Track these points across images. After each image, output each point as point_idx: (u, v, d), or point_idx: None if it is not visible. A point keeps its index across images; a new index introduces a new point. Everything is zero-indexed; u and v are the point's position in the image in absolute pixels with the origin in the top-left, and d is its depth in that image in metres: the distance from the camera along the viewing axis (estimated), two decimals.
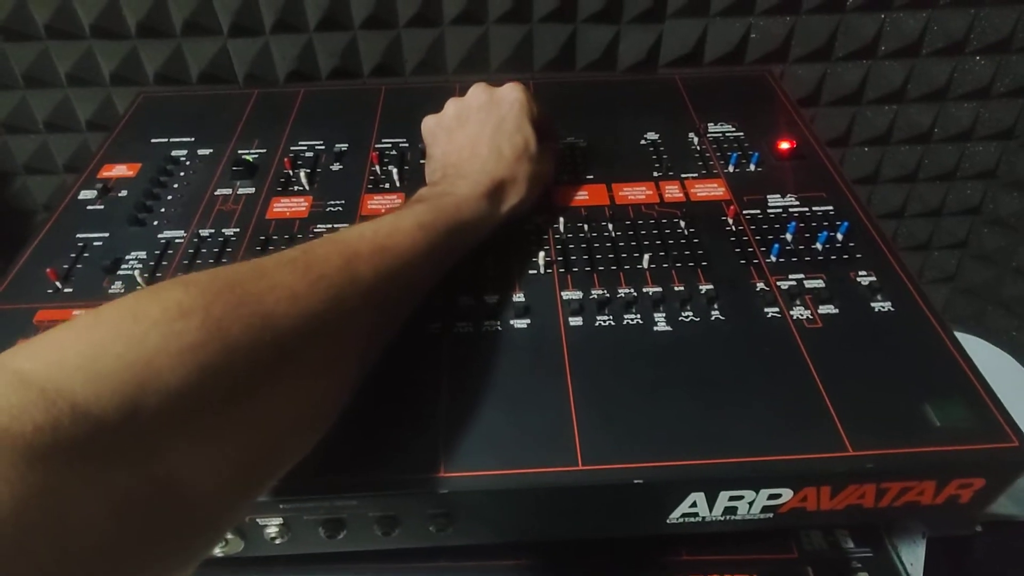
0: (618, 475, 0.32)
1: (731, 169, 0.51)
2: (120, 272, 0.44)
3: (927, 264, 0.83)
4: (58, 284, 0.43)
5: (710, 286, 0.41)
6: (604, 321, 0.40)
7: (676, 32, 0.65)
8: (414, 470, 0.33)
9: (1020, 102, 0.70)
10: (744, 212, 0.47)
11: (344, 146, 0.55)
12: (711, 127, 0.56)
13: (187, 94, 0.64)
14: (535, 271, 0.43)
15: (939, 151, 0.74)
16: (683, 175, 0.51)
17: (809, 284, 0.42)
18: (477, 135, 0.44)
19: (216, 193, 0.50)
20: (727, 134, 0.55)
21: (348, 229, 0.34)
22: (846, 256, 0.44)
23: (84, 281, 0.43)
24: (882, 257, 0.44)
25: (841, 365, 0.37)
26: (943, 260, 0.83)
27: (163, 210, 0.49)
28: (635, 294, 0.41)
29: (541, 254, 0.43)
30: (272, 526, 0.34)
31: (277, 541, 0.35)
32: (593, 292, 0.41)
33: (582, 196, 0.49)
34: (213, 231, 0.47)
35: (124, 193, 0.51)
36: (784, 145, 0.52)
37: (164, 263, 0.44)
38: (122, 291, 0.43)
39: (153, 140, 0.56)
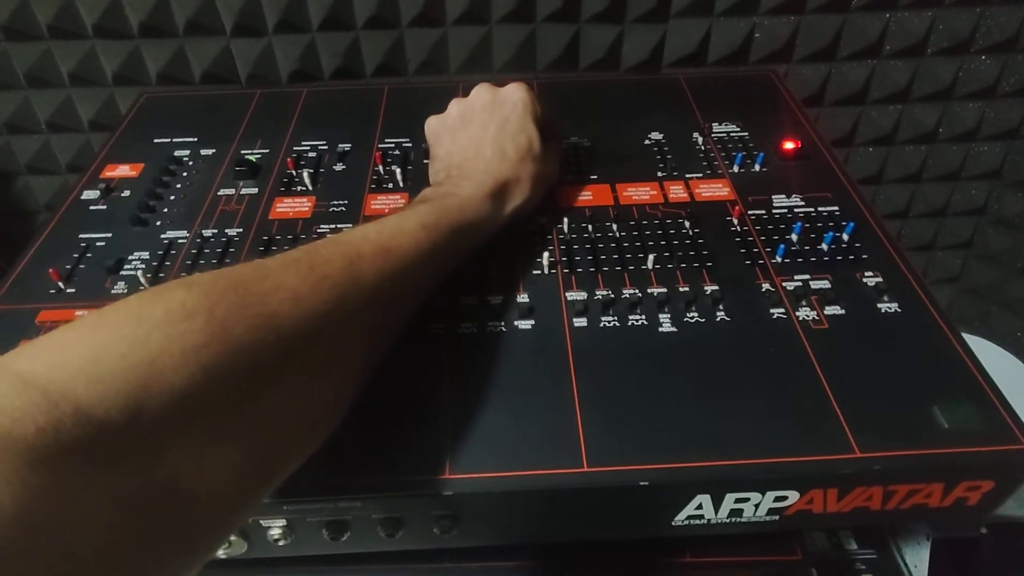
0: (623, 477, 0.32)
1: (736, 169, 0.51)
2: (123, 272, 0.44)
3: (931, 264, 0.83)
4: (61, 284, 0.43)
5: (715, 287, 0.41)
6: (609, 322, 0.40)
7: (680, 32, 0.65)
8: (418, 472, 0.33)
9: None
10: (749, 212, 0.47)
11: (347, 146, 0.55)
12: (715, 127, 0.56)
13: (190, 94, 0.64)
14: (539, 271, 0.43)
15: (944, 151, 0.73)
16: (687, 175, 0.51)
17: (815, 285, 0.42)
18: (481, 135, 0.44)
19: (219, 193, 0.50)
20: (731, 134, 0.55)
21: (351, 230, 0.34)
22: (852, 257, 0.44)
23: (87, 281, 0.43)
24: (888, 258, 0.43)
25: (847, 366, 0.37)
26: (947, 260, 0.82)
27: (166, 210, 0.49)
28: (640, 295, 0.41)
29: (545, 254, 0.43)
30: (275, 528, 0.34)
31: (280, 543, 0.35)
32: (597, 293, 0.41)
33: (586, 196, 0.49)
34: (216, 231, 0.47)
35: (127, 193, 0.50)
36: (789, 145, 0.52)
37: (167, 263, 0.44)
38: (125, 291, 0.43)
39: (156, 140, 0.56)
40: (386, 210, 0.48)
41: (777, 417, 0.34)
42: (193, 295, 0.25)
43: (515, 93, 0.45)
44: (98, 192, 0.50)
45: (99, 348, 0.22)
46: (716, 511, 0.34)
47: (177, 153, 0.54)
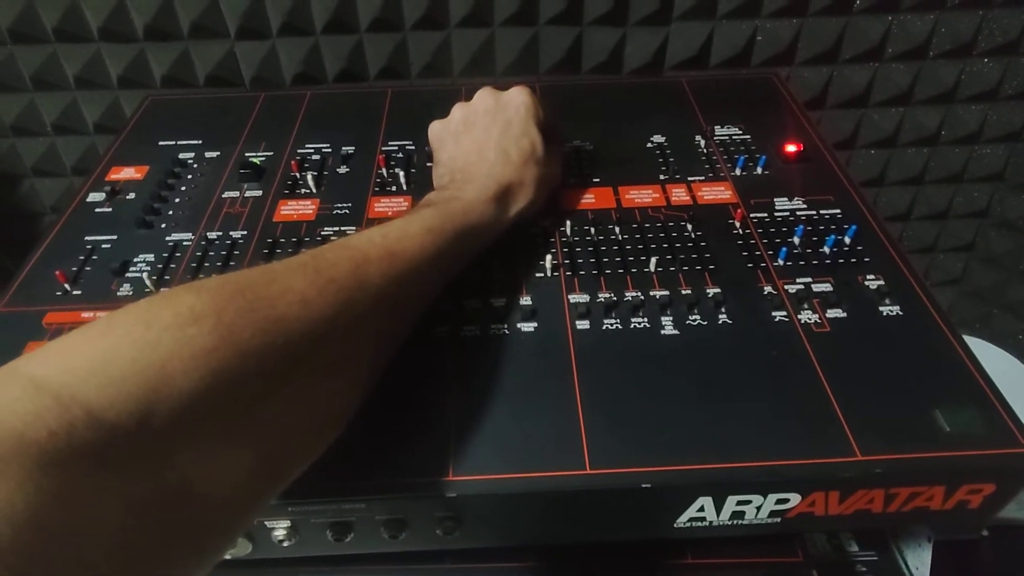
0: (626, 479, 0.32)
1: (738, 172, 0.51)
2: (128, 274, 0.44)
3: (933, 267, 0.83)
4: (67, 286, 0.43)
5: (717, 289, 0.41)
6: (611, 324, 0.40)
7: (682, 35, 0.65)
8: (422, 473, 0.33)
9: None
10: (751, 215, 0.47)
11: (351, 149, 0.55)
12: (718, 130, 0.56)
13: (194, 97, 0.64)
14: (542, 274, 0.43)
15: (946, 154, 0.74)
16: (690, 178, 0.51)
17: (817, 288, 0.42)
18: (484, 139, 0.44)
19: (223, 196, 0.50)
20: (734, 137, 0.55)
21: (357, 234, 0.34)
22: (854, 260, 0.44)
23: (93, 283, 0.44)
24: (890, 260, 0.44)
25: (849, 369, 0.37)
26: (949, 263, 0.82)
27: (171, 213, 0.49)
28: (642, 297, 0.41)
29: (548, 257, 0.43)
30: (280, 529, 0.34)
31: (285, 544, 0.35)
32: (600, 295, 0.42)
33: (588, 199, 0.49)
34: (221, 233, 0.47)
35: (132, 196, 0.51)
36: (791, 148, 0.52)
37: (172, 265, 0.45)
38: (131, 293, 0.43)
39: (160, 143, 0.56)
40: (390, 212, 0.49)
41: (779, 420, 0.35)
42: (201, 300, 0.25)
43: (518, 97, 0.46)
44: (104, 194, 0.51)
45: (109, 352, 0.22)
46: (718, 513, 0.34)
47: (182, 156, 0.55)
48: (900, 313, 0.40)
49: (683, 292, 0.42)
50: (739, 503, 0.34)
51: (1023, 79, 0.68)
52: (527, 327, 0.40)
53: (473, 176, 0.42)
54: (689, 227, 0.46)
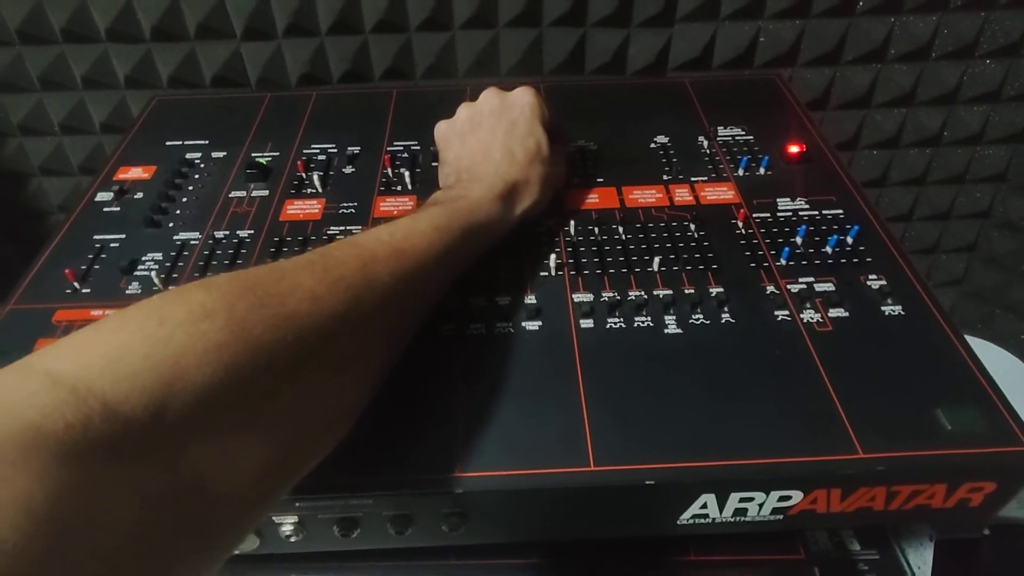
0: (630, 476, 0.33)
1: (741, 172, 0.52)
2: (137, 273, 0.44)
3: (935, 267, 0.83)
4: (76, 284, 0.43)
5: (720, 289, 0.42)
6: (615, 323, 0.40)
7: (685, 36, 0.65)
8: (428, 470, 0.33)
9: None
10: (754, 215, 0.48)
11: (356, 149, 0.55)
12: (720, 131, 0.56)
13: (200, 97, 0.65)
14: (546, 273, 0.44)
15: (948, 154, 0.74)
16: (693, 178, 0.51)
17: (819, 287, 0.42)
18: (490, 139, 0.45)
19: (230, 195, 0.51)
20: (736, 138, 0.56)
21: (364, 233, 0.35)
22: (856, 260, 0.44)
23: (102, 282, 0.44)
24: (892, 261, 0.44)
25: (851, 368, 0.37)
26: (951, 264, 0.83)
27: (178, 212, 0.49)
28: (646, 296, 0.42)
29: (552, 256, 0.44)
30: (287, 524, 0.35)
31: (292, 539, 0.35)
32: (604, 294, 0.42)
33: (592, 199, 0.50)
34: (228, 233, 0.47)
35: (140, 195, 0.51)
36: (793, 149, 0.53)
37: (180, 264, 0.45)
38: (139, 291, 0.43)
39: (168, 143, 0.57)
40: (395, 212, 0.49)
41: (781, 418, 0.35)
42: (213, 296, 0.25)
43: (523, 97, 0.46)
44: (112, 194, 0.51)
45: (123, 347, 0.23)
46: (721, 510, 0.35)
47: (189, 156, 0.55)
48: (902, 313, 0.40)
49: (686, 291, 0.42)
50: (742, 500, 0.34)
51: None
52: (532, 326, 0.40)
53: (479, 175, 0.43)
54: (692, 227, 0.47)
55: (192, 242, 0.47)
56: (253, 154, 0.55)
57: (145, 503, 0.21)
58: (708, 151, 0.54)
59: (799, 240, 0.45)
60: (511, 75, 0.67)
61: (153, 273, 0.44)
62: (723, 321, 0.40)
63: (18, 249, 0.77)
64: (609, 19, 0.64)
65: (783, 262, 0.44)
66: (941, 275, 0.83)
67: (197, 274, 0.45)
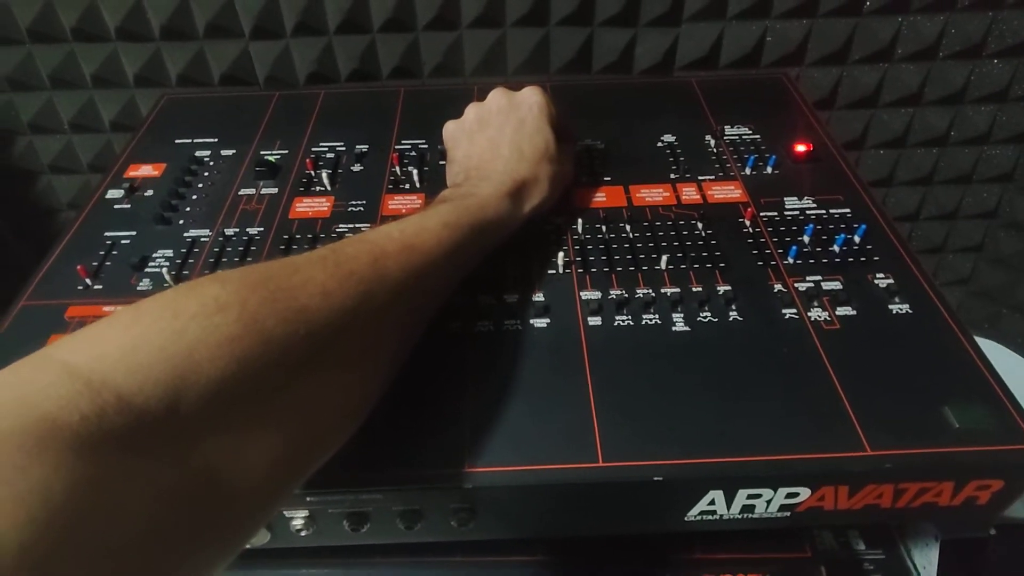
0: (638, 472, 0.33)
1: (748, 171, 0.52)
2: (148, 269, 0.45)
3: (942, 267, 0.83)
4: (88, 281, 0.44)
5: (728, 287, 0.42)
6: (623, 321, 0.40)
7: (692, 35, 0.65)
8: (437, 465, 0.33)
9: None
10: (761, 214, 0.48)
11: (364, 147, 0.55)
12: (728, 130, 0.56)
13: (209, 96, 0.65)
14: (554, 271, 0.44)
15: (955, 154, 0.74)
16: (700, 177, 0.51)
17: (827, 286, 0.42)
18: (498, 137, 0.45)
19: (240, 193, 0.51)
20: (743, 137, 0.56)
21: (374, 229, 0.35)
22: (863, 258, 0.44)
23: (113, 278, 0.44)
24: (899, 260, 0.44)
25: (859, 366, 0.37)
26: (958, 263, 0.82)
27: (188, 209, 0.50)
28: (653, 294, 0.42)
29: (560, 254, 0.44)
30: (298, 518, 0.35)
31: (302, 533, 0.36)
32: (612, 292, 0.42)
33: (600, 198, 0.50)
34: (238, 230, 0.48)
35: (150, 192, 0.52)
36: (801, 148, 0.53)
37: (191, 261, 0.45)
38: (150, 288, 0.44)
39: (177, 141, 0.57)
40: (403, 210, 0.49)
41: (789, 415, 0.35)
42: (226, 289, 0.26)
43: (531, 96, 0.46)
44: (122, 191, 0.51)
45: (138, 340, 0.23)
46: (728, 507, 0.35)
47: (198, 153, 0.55)
48: (909, 311, 0.40)
49: (694, 290, 0.42)
50: (749, 497, 0.34)
51: None
52: (540, 323, 0.40)
53: (488, 173, 0.43)
54: (699, 226, 0.47)
55: (202, 239, 0.47)
56: (262, 152, 0.55)
57: (158, 497, 0.21)
58: (715, 150, 0.54)
59: (806, 239, 0.45)
60: (518, 74, 0.67)
61: (164, 270, 0.44)
62: (731, 319, 0.40)
63: (27, 246, 0.78)
64: (616, 18, 0.64)
65: (790, 260, 0.44)
66: (948, 275, 0.83)
67: (208, 271, 0.45)
